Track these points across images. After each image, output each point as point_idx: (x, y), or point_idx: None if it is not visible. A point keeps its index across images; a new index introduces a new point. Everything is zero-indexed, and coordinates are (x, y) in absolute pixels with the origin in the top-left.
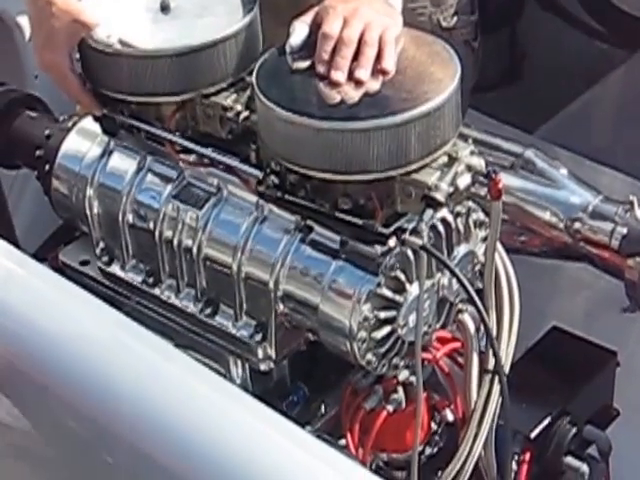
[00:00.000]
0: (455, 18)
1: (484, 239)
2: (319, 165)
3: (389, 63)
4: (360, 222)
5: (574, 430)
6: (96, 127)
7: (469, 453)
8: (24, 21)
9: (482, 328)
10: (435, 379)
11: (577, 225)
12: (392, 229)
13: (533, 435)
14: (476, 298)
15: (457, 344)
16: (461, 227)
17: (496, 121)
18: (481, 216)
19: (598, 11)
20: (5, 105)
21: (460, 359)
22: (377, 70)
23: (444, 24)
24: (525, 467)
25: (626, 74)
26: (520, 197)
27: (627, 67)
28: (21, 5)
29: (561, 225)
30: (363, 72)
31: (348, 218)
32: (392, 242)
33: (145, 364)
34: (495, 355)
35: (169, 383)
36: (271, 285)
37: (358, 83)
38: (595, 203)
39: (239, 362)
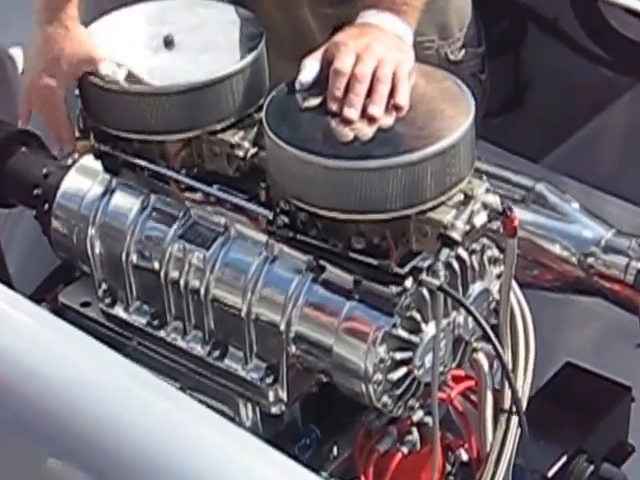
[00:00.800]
0: (462, 51)
1: (498, 276)
2: (332, 204)
3: (403, 99)
4: (375, 262)
5: (591, 468)
6: (96, 165)
7: None
8: (17, 53)
9: (496, 366)
10: (449, 418)
11: (590, 260)
12: (408, 269)
13: (550, 474)
14: (493, 337)
15: (471, 382)
16: (476, 264)
17: (501, 149)
18: (495, 253)
19: (601, 38)
20: (3, 142)
21: (473, 397)
22: (391, 107)
23: (451, 57)
24: None
25: (632, 102)
26: (532, 231)
27: (632, 94)
28: (13, 37)
29: (573, 259)
30: (376, 109)
31: (363, 258)
32: (409, 283)
33: (150, 411)
34: (513, 393)
35: (177, 430)
36: (283, 327)
37: (371, 120)
38: (608, 237)
39: (249, 405)
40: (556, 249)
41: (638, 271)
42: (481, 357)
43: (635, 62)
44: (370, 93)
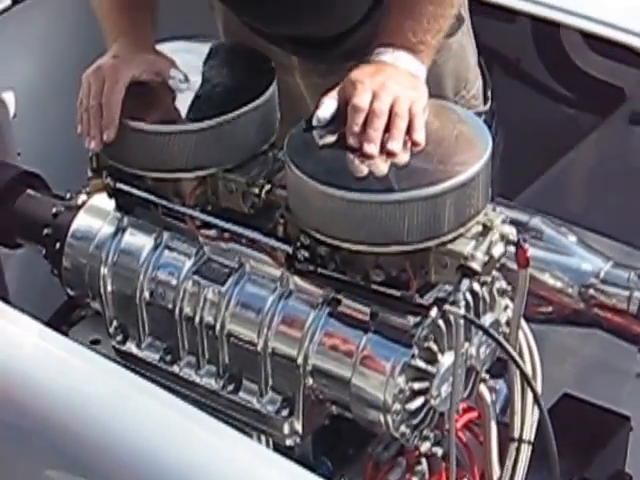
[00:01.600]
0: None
1: (506, 307)
2: (354, 237)
3: (420, 135)
4: (398, 294)
5: None
6: (106, 205)
7: None
8: (8, 97)
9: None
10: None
11: (591, 291)
12: (432, 300)
13: None
14: (517, 357)
15: (474, 414)
16: (487, 296)
17: None
18: (504, 284)
19: (565, 76)
20: (6, 184)
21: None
22: (408, 142)
23: None
24: None
25: (598, 139)
26: (532, 265)
27: (599, 132)
28: (5, 81)
29: (571, 291)
30: (395, 144)
31: (385, 290)
32: (434, 312)
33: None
34: (535, 396)
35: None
36: (300, 360)
37: (390, 155)
38: (607, 269)
39: (263, 438)
40: (555, 282)
41: None
42: (484, 389)
43: (599, 99)
44: (388, 129)
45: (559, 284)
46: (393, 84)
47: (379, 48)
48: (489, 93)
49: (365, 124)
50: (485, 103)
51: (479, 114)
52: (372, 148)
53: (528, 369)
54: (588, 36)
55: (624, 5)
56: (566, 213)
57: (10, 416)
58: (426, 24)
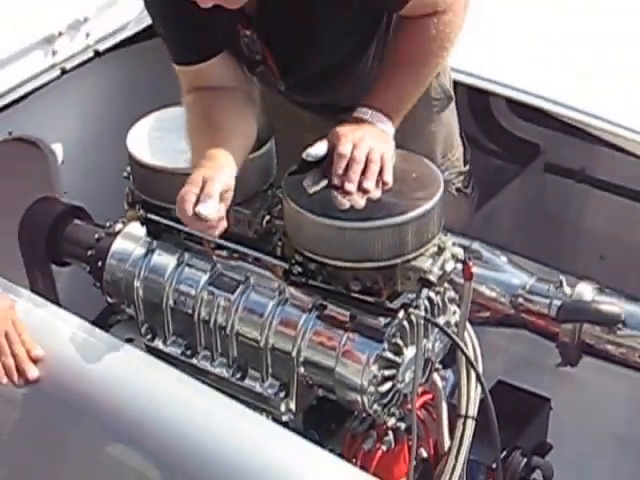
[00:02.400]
0: (446, 173)
1: (454, 312)
2: (338, 256)
3: (389, 177)
4: (372, 300)
5: (524, 460)
6: (139, 231)
7: None
8: (58, 148)
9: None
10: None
11: (519, 300)
12: (399, 305)
13: (494, 465)
14: (465, 350)
15: (429, 396)
16: (440, 303)
17: None
18: (452, 294)
19: (493, 135)
20: (57, 216)
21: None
22: (380, 182)
23: None
24: None
25: (521, 184)
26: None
27: (521, 178)
28: (54, 135)
29: (503, 300)
30: (369, 184)
31: (363, 297)
32: (400, 315)
33: None
34: (479, 379)
35: None
36: (294, 354)
37: (365, 192)
38: (531, 283)
39: (264, 415)
40: (491, 292)
41: (558, 308)
42: (437, 377)
43: (521, 153)
44: (364, 172)
45: (494, 294)
46: (369, 138)
47: (363, 108)
48: (468, 157)
49: (347, 168)
50: (465, 165)
51: (461, 173)
52: (351, 187)
53: (472, 359)
54: (511, 102)
55: (538, 76)
56: (498, 240)
57: (66, 396)
58: (403, 97)
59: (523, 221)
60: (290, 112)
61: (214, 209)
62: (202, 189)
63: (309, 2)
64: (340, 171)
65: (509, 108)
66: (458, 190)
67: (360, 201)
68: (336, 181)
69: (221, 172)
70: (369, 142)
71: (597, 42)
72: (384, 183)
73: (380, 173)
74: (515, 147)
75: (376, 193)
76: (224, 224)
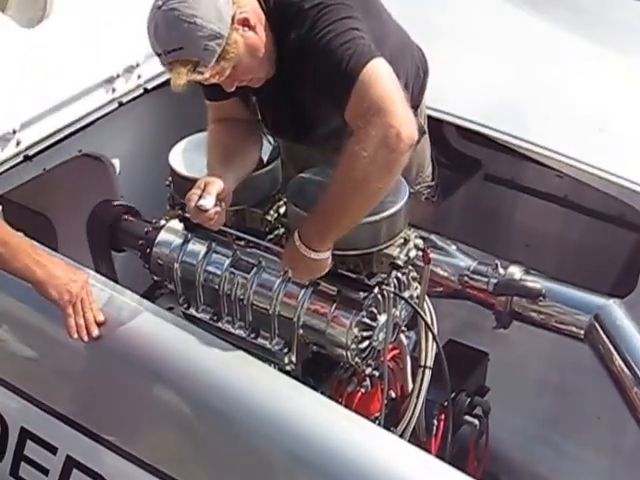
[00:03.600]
0: (417, 187)
1: (416, 288)
2: None
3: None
4: (354, 276)
5: (468, 399)
6: (178, 226)
7: (411, 416)
8: (115, 162)
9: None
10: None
11: (465, 279)
12: (374, 282)
13: (445, 404)
14: (424, 316)
15: (397, 351)
16: (406, 281)
17: None
18: (415, 274)
19: (445, 152)
20: (115, 214)
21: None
22: None
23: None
24: (442, 423)
25: (466, 190)
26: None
27: (467, 186)
28: (114, 152)
29: (453, 279)
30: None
31: (348, 274)
32: (375, 290)
33: None
34: (435, 339)
35: None
36: (295, 319)
37: None
38: (474, 265)
39: (272, 365)
40: (443, 273)
41: (494, 285)
42: (403, 337)
43: (466, 166)
44: None
45: (446, 274)
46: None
47: (296, 236)
48: (436, 173)
49: None
50: (433, 180)
51: (429, 187)
52: None
53: (429, 323)
54: (459, 128)
55: (480, 108)
56: (450, 233)
57: (120, 349)
58: (327, 232)
59: (468, 218)
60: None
61: (211, 203)
62: (203, 190)
63: (293, 88)
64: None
65: (457, 133)
66: (427, 199)
67: None
68: None
69: (220, 179)
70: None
71: (523, 83)
72: None
73: None
74: (462, 162)
75: None
76: (222, 219)
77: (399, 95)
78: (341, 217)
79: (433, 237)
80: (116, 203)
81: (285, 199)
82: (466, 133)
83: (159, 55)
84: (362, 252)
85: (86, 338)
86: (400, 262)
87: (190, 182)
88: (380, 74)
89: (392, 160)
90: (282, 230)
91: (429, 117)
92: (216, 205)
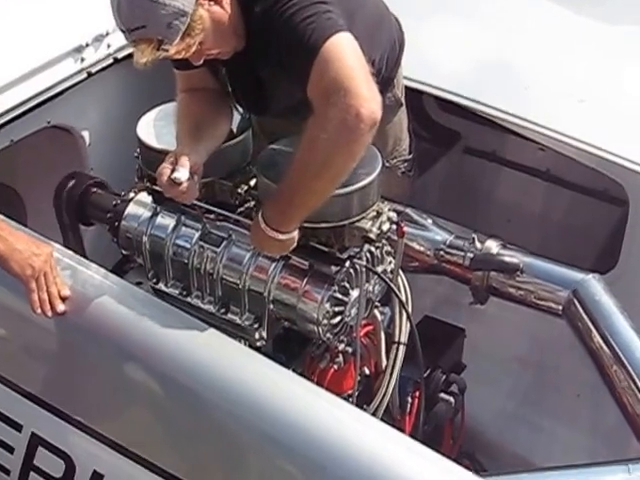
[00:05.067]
0: (393, 160)
1: (390, 262)
2: None
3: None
4: (326, 249)
5: (444, 377)
6: (147, 199)
7: (385, 393)
8: (86, 134)
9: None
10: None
11: (441, 253)
12: (346, 256)
13: (419, 380)
14: (397, 292)
15: (371, 327)
16: (379, 255)
17: None
18: (389, 248)
19: (425, 125)
20: (84, 187)
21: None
22: None
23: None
24: (416, 401)
25: (445, 162)
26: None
27: (446, 157)
28: (83, 123)
29: (429, 253)
30: None
31: (320, 247)
32: (347, 264)
33: None
34: (409, 318)
35: None
36: (265, 294)
37: None
38: (450, 239)
39: (242, 341)
40: (419, 247)
41: (471, 259)
42: (377, 312)
43: (446, 138)
44: None
45: (422, 248)
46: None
47: (259, 217)
48: (413, 147)
49: None
50: (410, 153)
51: (406, 161)
52: None
53: (404, 299)
54: (438, 99)
55: (460, 78)
56: (428, 206)
57: (85, 325)
58: (299, 212)
59: (447, 192)
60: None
61: (185, 175)
62: (176, 163)
63: (259, 62)
64: None
65: (437, 104)
66: (403, 173)
67: None
68: None
69: (191, 151)
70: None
71: (503, 53)
72: None
73: None
74: (441, 134)
75: None
76: (195, 193)
77: (361, 72)
78: (304, 199)
79: (409, 211)
80: (84, 175)
81: (255, 171)
82: (445, 104)
83: (123, 32)
84: (334, 225)
85: (50, 313)
86: (373, 235)
87: (159, 154)
88: (341, 50)
89: (352, 141)
90: (252, 203)
91: (407, 88)
92: (189, 178)
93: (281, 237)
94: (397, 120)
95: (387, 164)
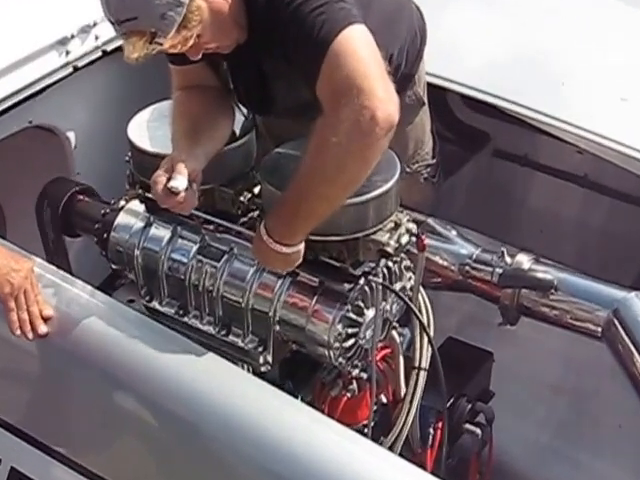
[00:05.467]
0: (415, 165)
1: (409, 278)
2: None
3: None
4: (338, 265)
5: (469, 406)
6: (139, 208)
7: (404, 424)
8: (71, 135)
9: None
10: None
11: (467, 268)
12: (360, 272)
13: (442, 410)
14: (417, 312)
15: (388, 350)
16: (397, 270)
17: None
18: (408, 263)
19: (450, 125)
20: (69, 194)
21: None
22: None
23: (407, 169)
24: (439, 432)
25: (473, 167)
26: (426, 250)
27: (473, 162)
28: (69, 123)
29: (453, 268)
30: None
31: (331, 262)
32: (361, 281)
33: None
34: (430, 342)
35: None
36: (270, 313)
37: None
38: (477, 253)
39: (245, 366)
40: (442, 261)
41: (499, 275)
42: (395, 334)
43: (473, 140)
44: None
45: (445, 263)
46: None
47: (263, 229)
48: (437, 150)
49: None
50: (433, 158)
51: (429, 166)
52: None
53: (424, 320)
54: (465, 97)
55: (489, 75)
56: (452, 215)
57: (70, 348)
58: (306, 224)
59: (474, 200)
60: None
61: (183, 184)
62: (172, 170)
63: (263, 57)
64: None
65: (462, 102)
66: (426, 179)
67: None
68: None
69: (189, 157)
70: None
71: (537, 49)
72: None
73: None
74: (467, 135)
75: None
76: (194, 203)
77: (377, 69)
78: (312, 209)
79: (430, 221)
80: (69, 181)
81: (259, 177)
82: (472, 103)
83: (112, 24)
84: (346, 238)
85: (31, 335)
86: (390, 249)
87: (152, 158)
88: (355, 44)
89: (366, 146)
90: (257, 212)
91: (430, 85)
92: (187, 187)
93: (285, 250)
94: (419, 121)
95: (407, 170)
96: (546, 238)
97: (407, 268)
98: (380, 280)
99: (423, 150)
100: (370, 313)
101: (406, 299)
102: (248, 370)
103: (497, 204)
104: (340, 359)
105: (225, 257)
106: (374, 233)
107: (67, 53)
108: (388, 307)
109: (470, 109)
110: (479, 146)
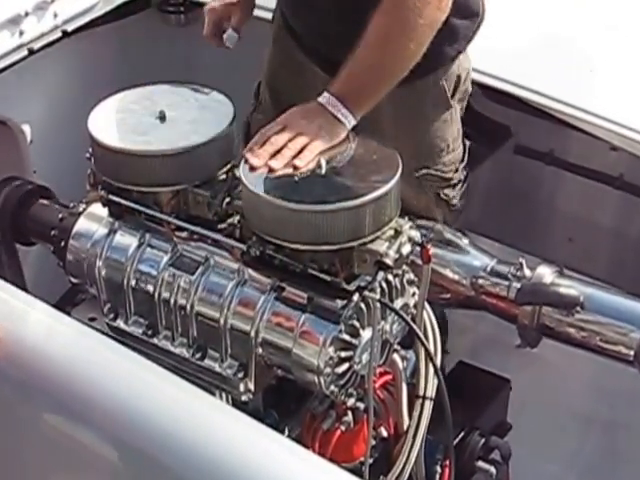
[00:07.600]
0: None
1: (413, 294)
2: (295, 238)
3: (299, 163)
4: (329, 279)
5: (482, 440)
6: (101, 212)
7: (406, 461)
8: (26, 128)
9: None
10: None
11: (480, 282)
12: (355, 286)
13: (451, 445)
14: (421, 334)
15: (389, 377)
16: (398, 285)
17: None
18: (411, 276)
19: (467, 118)
20: (22, 196)
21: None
22: (290, 165)
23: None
24: (447, 470)
25: (492, 165)
26: (434, 261)
27: (492, 160)
28: (24, 115)
29: (464, 282)
30: (275, 163)
31: (322, 276)
32: (355, 297)
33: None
34: (436, 371)
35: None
36: (252, 334)
37: (270, 170)
38: (492, 265)
39: (224, 395)
40: (452, 274)
41: (518, 290)
42: (397, 358)
43: (493, 135)
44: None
45: (455, 276)
46: (306, 124)
47: (325, 92)
48: (466, 153)
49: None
50: (463, 159)
51: (446, 180)
52: (255, 162)
53: (430, 343)
54: (483, 87)
55: (509, 63)
56: (467, 220)
57: (19, 374)
58: (368, 83)
59: (491, 202)
60: (298, 62)
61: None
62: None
63: None
64: (252, 146)
65: (481, 92)
66: (437, 195)
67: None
68: (246, 153)
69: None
70: (298, 128)
71: (563, 32)
72: (294, 167)
73: (295, 157)
74: (486, 129)
75: (280, 172)
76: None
77: None
78: (392, 66)
79: (439, 227)
80: (23, 180)
81: (240, 176)
82: (491, 93)
83: None
84: (339, 247)
85: None
86: (389, 260)
87: (115, 154)
88: None
89: None
90: (236, 218)
91: None
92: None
93: (351, 121)
94: (445, 118)
95: (416, 174)
96: (575, 248)
97: (410, 282)
98: (377, 296)
99: (454, 151)
100: (366, 334)
101: (407, 319)
102: (227, 400)
103: (518, 208)
104: (332, 387)
105: (200, 269)
106: (371, 242)
107: (21, 33)
108: (388, 327)
109: (489, 100)
110: (499, 142)
